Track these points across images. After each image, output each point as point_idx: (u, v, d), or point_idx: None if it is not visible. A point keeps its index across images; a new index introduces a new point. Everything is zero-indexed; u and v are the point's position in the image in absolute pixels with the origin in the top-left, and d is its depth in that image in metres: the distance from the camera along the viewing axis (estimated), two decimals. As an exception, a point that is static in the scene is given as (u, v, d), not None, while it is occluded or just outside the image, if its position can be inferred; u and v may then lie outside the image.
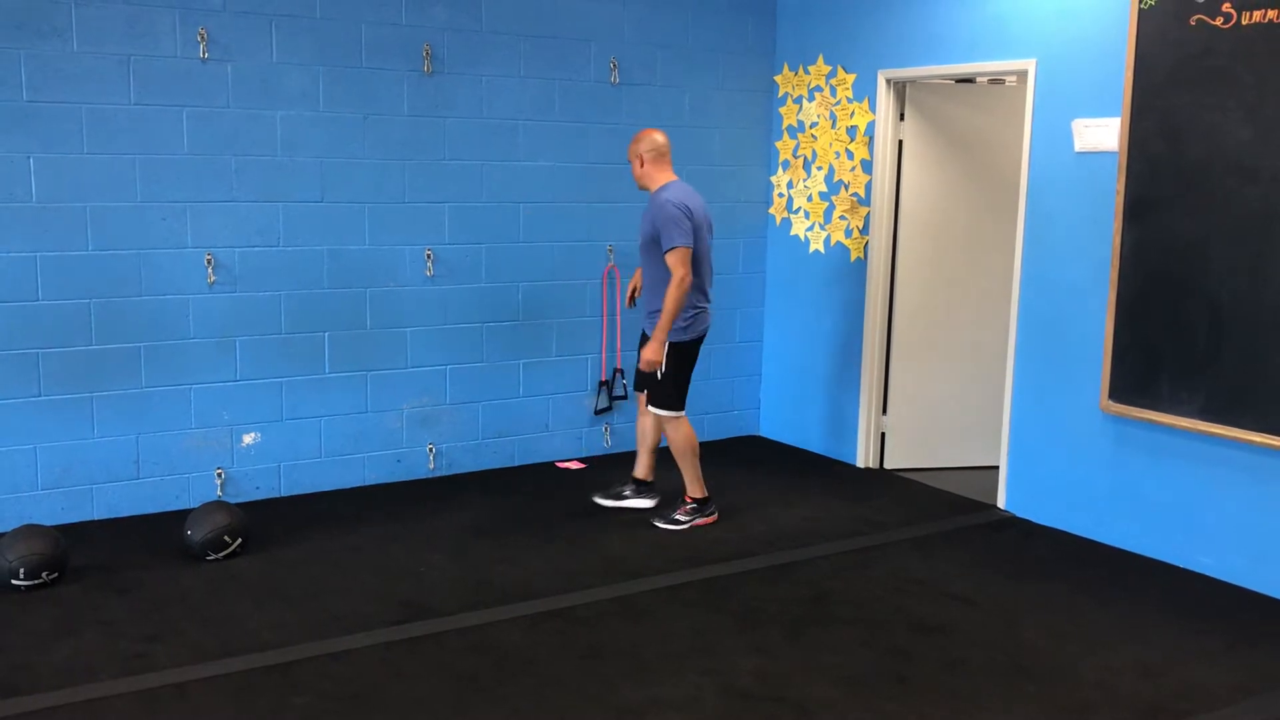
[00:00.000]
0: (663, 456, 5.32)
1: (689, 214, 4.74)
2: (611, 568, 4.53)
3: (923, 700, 3.47)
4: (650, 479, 5.26)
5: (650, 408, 5.02)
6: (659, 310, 4.81)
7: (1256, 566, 4.38)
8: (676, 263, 4.70)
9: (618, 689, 3.50)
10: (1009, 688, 3.56)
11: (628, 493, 5.26)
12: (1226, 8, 4.31)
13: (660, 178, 4.89)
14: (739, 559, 4.65)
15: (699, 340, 4.97)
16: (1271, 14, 4.17)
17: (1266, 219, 4.24)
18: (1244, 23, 4.26)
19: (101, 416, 4.88)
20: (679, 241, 4.69)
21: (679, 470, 5.07)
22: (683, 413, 5.00)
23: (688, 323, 4.87)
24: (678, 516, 5.01)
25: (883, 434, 6.10)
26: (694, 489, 5.05)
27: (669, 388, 4.92)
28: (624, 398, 5.39)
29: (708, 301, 4.98)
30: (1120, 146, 4.70)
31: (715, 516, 5.08)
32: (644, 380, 5.03)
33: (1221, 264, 4.39)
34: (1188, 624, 4.08)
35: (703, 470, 5.08)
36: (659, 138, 4.92)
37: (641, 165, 4.90)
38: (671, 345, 4.85)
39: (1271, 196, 4.22)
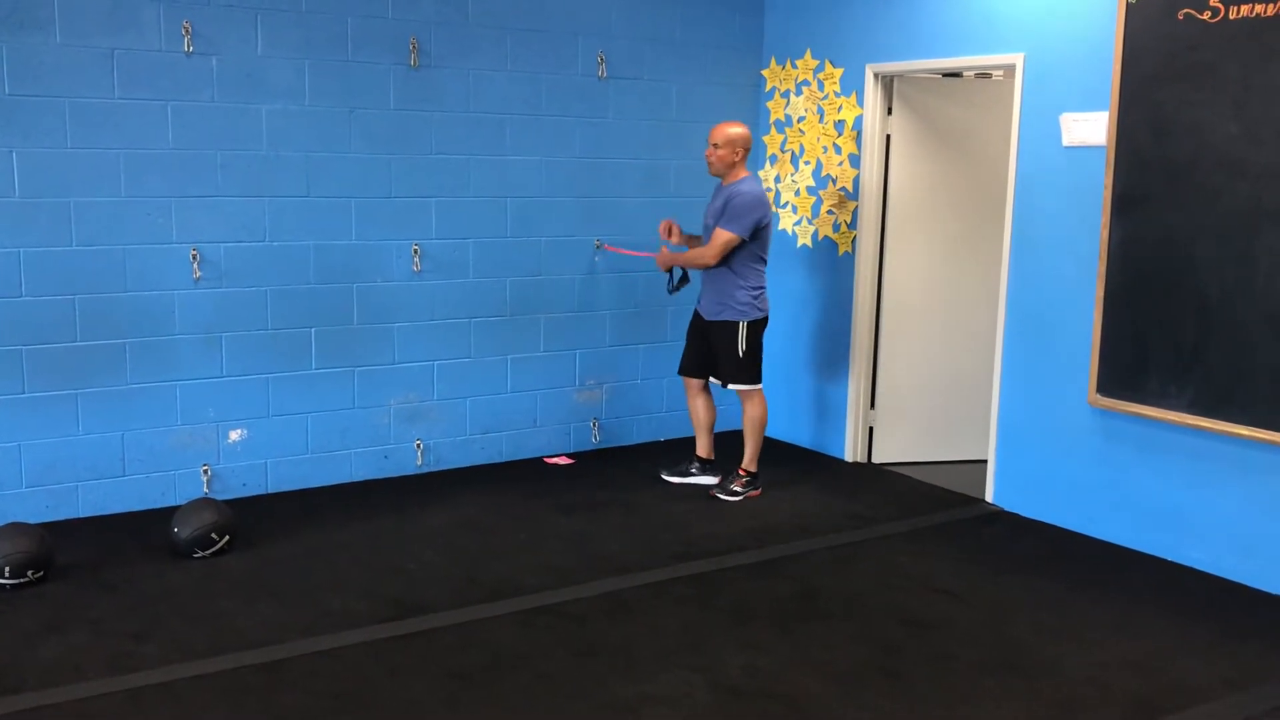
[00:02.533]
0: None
1: (764, 209, 5.15)
2: (602, 564, 4.52)
3: (912, 695, 3.47)
4: (711, 457, 5.58)
5: (730, 385, 5.34)
6: (718, 302, 5.27)
7: (1245, 560, 4.40)
8: (720, 244, 5.12)
9: (609, 685, 3.49)
10: (998, 683, 3.57)
11: (694, 470, 5.58)
12: (1214, 2, 4.32)
13: (743, 172, 5.26)
14: (728, 554, 4.65)
15: (767, 318, 5.33)
16: (1259, 8, 4.19)
17: (1253, 214, 4.25)
18: (1231, 17, 4.27)
19: (86, 413, 4.84)
20: (737, 230, 5.10)
21: (743, 443, 5.43)
22: (759, 385, 5.34)
23: (756, 300, 5.25)
24: (734, 488, 5.35)
25: (871, 428, 6.10)
26: (751, 462, 5.39)
27: (746, 363, 5.27)
28: (687, 280, 5.57)
29: (764, 285, 5.34)
30: (1108, 141, 4.71)
31: (760, 490, 5.41)
32: (724, 360, 5.32)
33: (1208, 258, 4.40)
34: (1177, 618, 4.09)
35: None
36: (745, 131, 5.25)
37: (735, 156, 5.20)
38: (748, 324, 5.24)
39: (1258, 191, 4.23)
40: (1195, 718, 3.36)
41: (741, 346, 5.24)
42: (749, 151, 5.28)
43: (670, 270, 5.54)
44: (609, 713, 3.33)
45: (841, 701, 3.42)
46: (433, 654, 3.69)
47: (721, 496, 5.34)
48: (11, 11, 4.50)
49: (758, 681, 3.54)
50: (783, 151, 6.31)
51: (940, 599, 4.24)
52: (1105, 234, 4.73)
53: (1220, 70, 4.32)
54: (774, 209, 6.35)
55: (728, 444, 5.83)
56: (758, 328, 5.29)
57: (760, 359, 5.34)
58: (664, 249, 5.60)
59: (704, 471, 5.56)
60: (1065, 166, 4.92)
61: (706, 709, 3.36)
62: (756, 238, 5.17)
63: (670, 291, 5.61)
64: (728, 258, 5.17)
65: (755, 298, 5.24)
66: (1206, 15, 4.35)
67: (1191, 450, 4.53)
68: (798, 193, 6.22)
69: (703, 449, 5.58)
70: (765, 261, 5.29)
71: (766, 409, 5.44)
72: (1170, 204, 4.52)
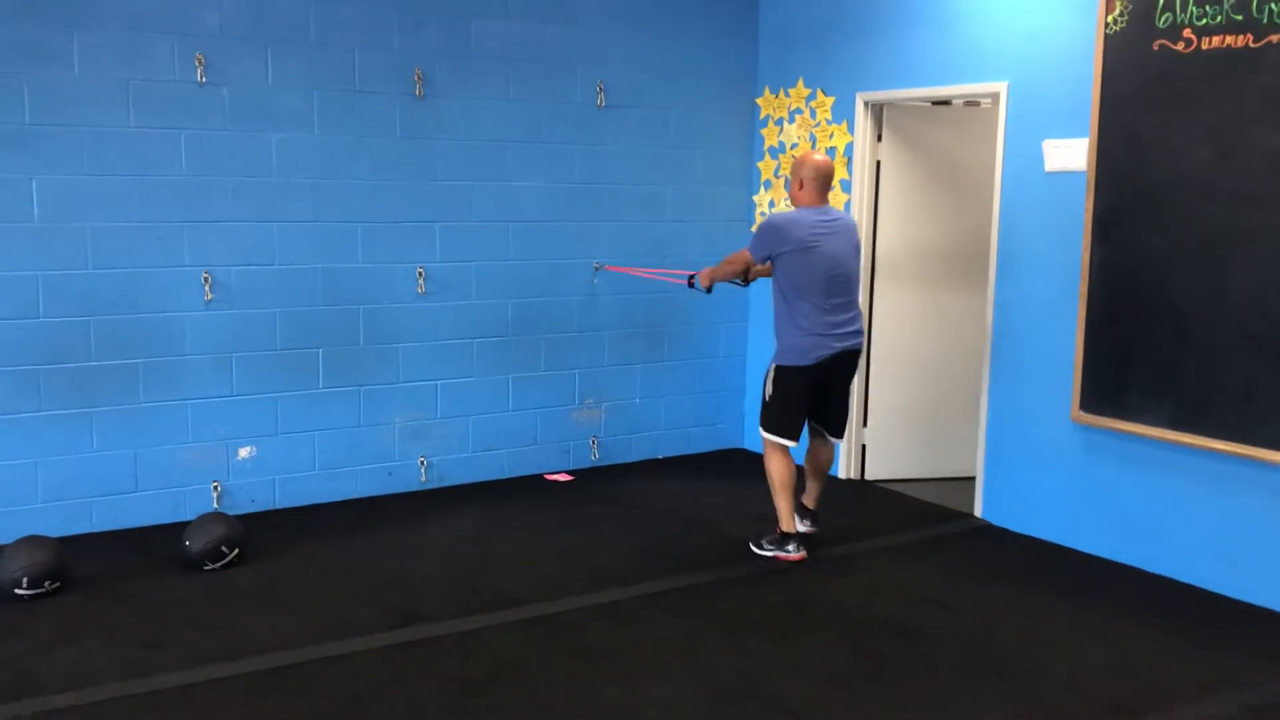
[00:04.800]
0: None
1: (775, 236, 4.78)
2: (600, 576, 4.66)
3: (897, 698, 3.61)
4: (811, 506, 5.19)
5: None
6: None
7: (1222, 570, 4.54)
8: (740, 257, 5.00)
9: (606, 690, 3.63)
10: (981, 686, 3.71)
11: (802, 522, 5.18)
12: (1188, 33, 4.50)
13: (805, 201, 4.87)
14: (723, 566, 4.79)
15: (803, 369, 4.81)
16: (1230, 39, 4.36)
17: (1226, 236, 4.41)
18: (1204, 48, 4.45)
19: (100, 431, 5.00)
20: (750, 249, 4.92)
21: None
22: (775, 437, 4.89)
23: (801, 343, 4.80)
24: (764, 543, 4.96)
25: (864, 446, 6.25)
26: (780, 521, 4.95)
27: (767, 406, 4.92)
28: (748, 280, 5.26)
29: (826, 330, 4.78)
30: (1088, 166, 4.87)
31: (800, 555, 4.87)
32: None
33: (1185, 279, 4.56)
34: (1155, 626, 4.23)
35: (688, 482, 5.11)
36: (810, 162, 4.85)
37: (795, 185, 4.88)
38: (776, 368, 4.87)
39: (1231, 214, 4.39)
40: (1167, 717, 3.50)
41: (767, 390, 4.92)
42: (818, 181, 4.82)
43: (711, 285, 5.29)
44: (606, 717, 3.46)
45: (829, 704, 3.55)
46: (435, 660, 3.83)
47: (752, 547, 5.01)
48: (33, 45, 4.69)
49: (749, 686, 3.68)
50: (776, 177, 6.48)
51: (927, 608, 4.38)
52: (1086, 256, 4.90)
53: (1194, 98, 4.49)
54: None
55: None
56: (787, 374, 4.84)
57: (786, 411, 4.87)
58: (705, 269, 5.28)
59: (801, 518, 5.14)
60: (1048, 191, 5.09)
61: (701, 712, 3.50)
62: (785, 270, 4.78)
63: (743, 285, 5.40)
64: (785, 296, 4.82)
65: (800, 341, 4.79)
66: (1180, 46, 4.53)
67: (1170, 464, 4.68)
68: (791, 217, 6.39)
69: (805, 497, 5.21)
70: (821, 302, 4.75)
71: (782, 468, 4.90)
72: (1148, 226, 4.68)
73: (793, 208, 4.95)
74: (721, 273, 5.14)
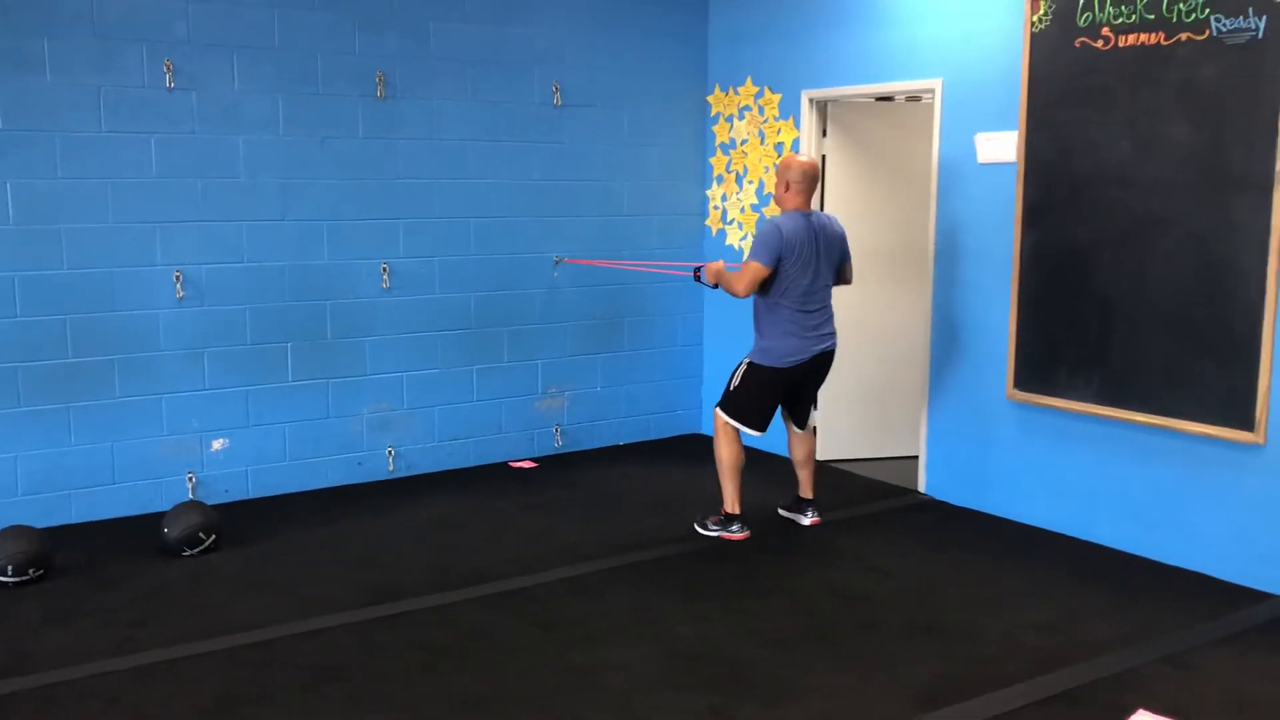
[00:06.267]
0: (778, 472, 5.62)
1: (776, 239, 4.82)
2: (564, 553, 4.90)
3: (842, 656, 3.88)
4: (806, 495, 5.33)
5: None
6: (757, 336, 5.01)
7: (1145, 534, 4.85)
8: (748, 273, 4.85)
9: (570, 655, 3.87)
10: (921, 644, 3.98)
11: (790, 506, 5.41)
12: (1106, 32, 4.79)
13: (791, 204, 4.95)
14: (680, 543, 5.04)
15: (778, 370, 4.96)
16: (1145, 37, 4.66)
17: (1145, 224, 4.71)
18: (1121, 45, 4.74)
19: (78, 425, 5.17)
20: (759, 259, 4.83)
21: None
22: (741, 426, 5.04)
23: (776, 346, 4.94)
24: (709, 524, 5.15)
25: (815, 428, 6.50)
26: (725, 503, 5.13)
27: (729, 391, 5.08)
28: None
29: (803, 333, 4.93)
30: (1018, 158, 5.16)
31: (744, 535, 5.09)
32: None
33: (1107, 265, 4.86)
34: (1084, 587, 4.53)
35: (647, 466, 5.32)
36: (796, 165, 4.94)
37: (780, 187, 4.96)
38: (749, 363, 5.02)
39: (1148, 202, 4.70)
40: (1092, 668, 3.79)
41: (735, 380, 5.07)
42: (804, 183, 4.93)
43: (711, 286, 5.26)
44: (571, 677, 3.71)
45: (778, 663, 3.81)
46: (407, 632, 4.05)
47: (697, 527, 5.19)
48: (5, 54, 4.85)
49: (704, 649, 3.93)
50: (728, 172, 6.74)
51: (872, 576, 4.65)
52: (1017, 243, 5.19)
53: (1113, 93, 4.79)
54: (721, 224, 6.78)
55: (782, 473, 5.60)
56: (759, 373, 4.99)
57: (752, 404, 5.03)
58: (721, 262, 5.18)
59: (798, 509, 5.35)
60: (981, 182, 5.38)
61: (659, 671, 3.75)
62: (780, 272, 4.86)
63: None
64: (767, 298, 4.93)
65: (778, 343, 4.93)
66: (1100, 44, 4.82)
67: (1097, 437, 4.98)
68: (743, 210, 6.66)
69: (799, 487, 5.37)
70: (801, 305, 4.90)
71: (731, 452, 5.09)
72: (1074, 215, 4.97)
73: (779, 211, 5.00)
74: (726, 280, 4.99)
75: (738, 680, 3.68)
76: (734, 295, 4.95)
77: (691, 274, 5.51)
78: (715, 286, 5.18)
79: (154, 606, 4.27)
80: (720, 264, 5.13)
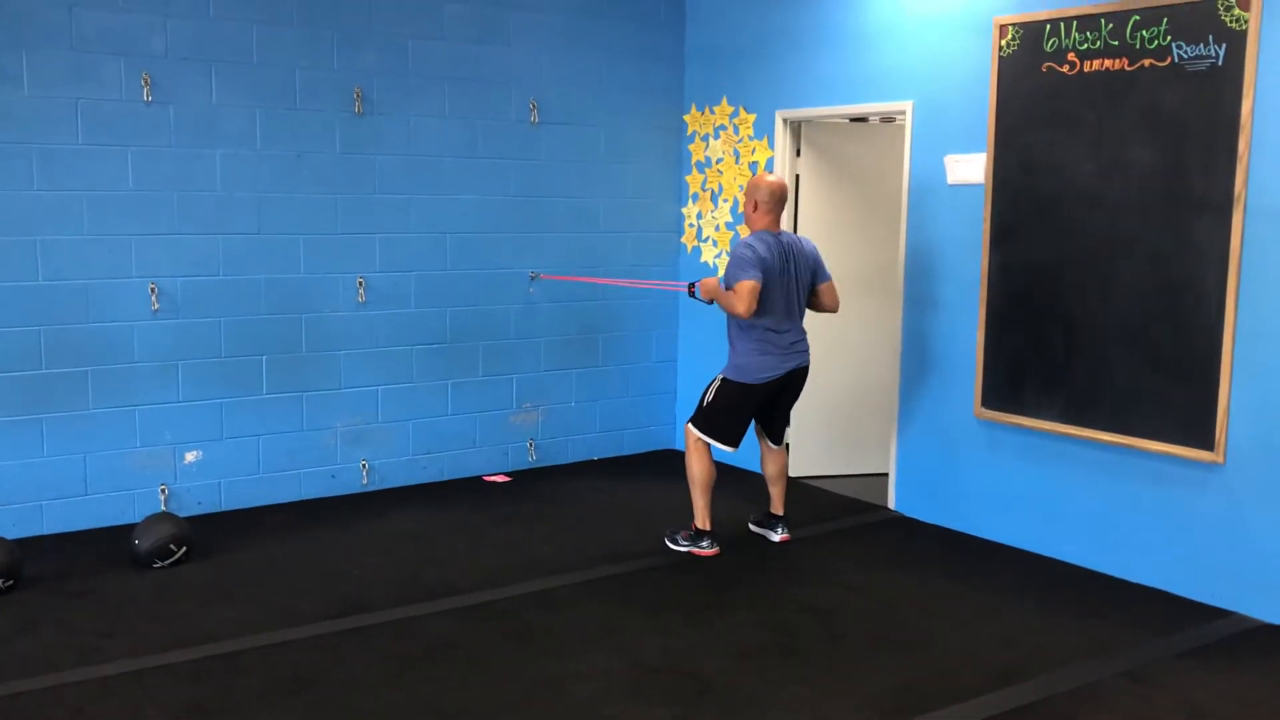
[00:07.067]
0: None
1: (752, 257, 4.83)
2: (535, 566, 4.93)
3: (806, 667, 3.93)
4: (777, 511, 5.38)
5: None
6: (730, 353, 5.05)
7: (1106, 552, 4.92)
8: (745, 291, 4.80)
9: (537, 666, 3.90)
10: (884, 656, 4.03)
11: (761, 521, 5.46)
12: (1071, 57, 4.89)
13: (760, 224, 5.00)
14: (649, 557, 5.08)
15: (751, 387, 5.00)
16: (1108, 63, 4.76)
17: (1109, 244, 4.80)
18: (1086, 70, 4.84)
19: (51, 437, 5.18)
20: (739, 276, 4.82)
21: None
22: (714, 441, 5.07)
23: (749, 362, 4.98)
24: (679, 539, 5.19)
25: (787, 445, 6.56)
26: (695, 518, 5.17)
27: (702, 407, 5.11)
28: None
29: (777, 351, 4.99)
30: (986, 179, 5.25)
31: (714, 551, 5.12)
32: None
33: (1073, 284, 4.94)
34: (1045, 602, 4.59)
35: (620, 481, 5.35)
36: (764, 185, 5.00)
37: (750, 206, 5.02)
38: (722, 379, 5.07)
39: (1111, 223, 4.78)
40: (1053, 682, 3.84)
41: (708, 396, 5.09)
42: (772, 203, 4.99)
43: (705, 302, 5.22)
44: (537, 688, 3.74)
45: (744, 676, 3.86)
46: (375, 644, 4.07)
47: (667, 542, 5.23)
48: (-17, 65, 4.89)
49: (670, 661, 3.97)
50: (703, 190, 6.81)
51: (837, 591, 4.70)
52: (985, 264, 5.27)
53: (1078, 117, 4.88)
54: (696, 242, 6.85)
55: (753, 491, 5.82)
56: (731, 389, 5.03)
57: (724, 422, 5.06)
58: (716, 279, 5.11)
59: (768, 526, 5.40)
60: (950, 202, 5.46)
61: (625, 683, 3.78)
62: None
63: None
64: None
65: (752, 360, 4.98)
66: (1065, 68, 4.92)
67: (1062, 455, 5.05)
68: (717, 228, 6.73)
69: (770, 504, 5.42)
70: (775, 325, 4.96)
71: (703, 468, 5.11)
72: (1040, 235, 5.06)
73: (748, 231, 5.05)
74: (725, 300, 4.93)
75: (703, 693, 3.72)
76: (736, 316, 4.91)
77: (686, 289, 5.50)
78: (710, 303, 5.17)
79: (123, 617, 4.28)
80: (716, 280, 5.09)
